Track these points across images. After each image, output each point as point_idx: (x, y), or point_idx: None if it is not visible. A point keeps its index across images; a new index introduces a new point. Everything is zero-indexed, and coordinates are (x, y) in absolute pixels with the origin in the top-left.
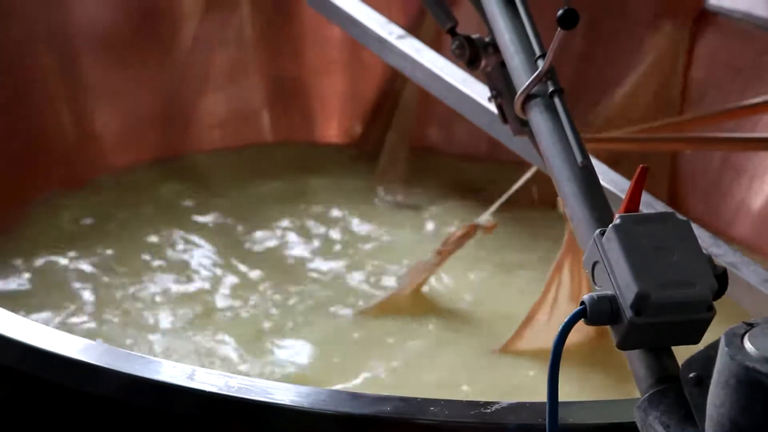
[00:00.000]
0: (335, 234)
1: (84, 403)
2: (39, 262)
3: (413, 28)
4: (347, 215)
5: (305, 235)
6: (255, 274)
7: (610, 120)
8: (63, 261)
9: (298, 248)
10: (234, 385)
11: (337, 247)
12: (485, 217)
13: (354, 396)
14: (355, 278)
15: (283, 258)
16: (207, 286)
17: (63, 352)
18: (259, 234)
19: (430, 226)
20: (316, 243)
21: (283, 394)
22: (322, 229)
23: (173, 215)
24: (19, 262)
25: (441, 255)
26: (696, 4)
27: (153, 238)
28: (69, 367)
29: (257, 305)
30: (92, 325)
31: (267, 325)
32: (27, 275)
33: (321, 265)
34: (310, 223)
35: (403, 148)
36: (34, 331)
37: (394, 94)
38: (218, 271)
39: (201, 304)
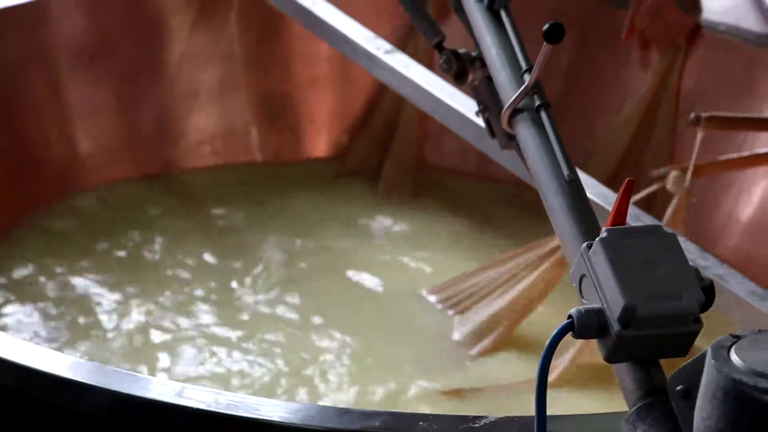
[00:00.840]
0: (327, 251)
1: (72, 422)
2: (27, 279)
3: (403, 43)
4: (339, 232)
5: (299, 253)
6: (252, 292)
7: (604, 136)
8: (50, 279)
9: (291, 266)
10: (223, 401)
11: (330, 266)
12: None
13: (343, 411)
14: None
15: (279, 276)
16: (198, 305)
17: (51, 370)
18: (252, 251)
19: (428, 239)
20: (306, 262)
21: (272, 411)
22: (313, 246)
23: (162, 232)
24: (3, 279)
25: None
26: (688, 22)
27: (141, 256)
28: (57, 385)
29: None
30: (76, 343)
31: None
32: (12, 293)
33: (319, 281)
34: (301, 242)
35: (408, 166)
36: (22, 348)
37: (383, 109)
38: (207, 291)
39: (196, 325)
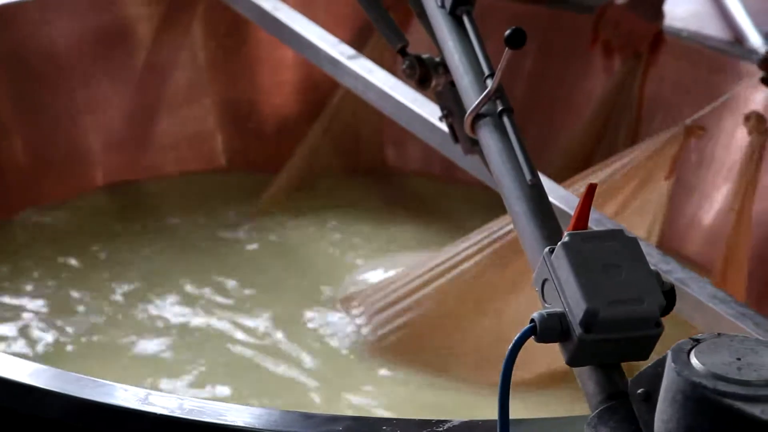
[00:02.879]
0: (291, 254)
1: (35, 428)
2: None
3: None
4: (304, 235)
5: (266, 258)
6: (222, 299)
7: (567, 142)
8: (13, 288)
9: (260, 272)
10: (187, 407)
11: (300, 272)
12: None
13: (306, 416)
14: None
15: (251, 282)
16: (165, 314)
17: (12, 376)
18: (218, 258)
19: (397, 243)
20: (279, 267)
21: (236, 416)
22: (280, 251)
23: (124, 241)
24: None
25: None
26: (651, 30)
27: (105, 265)
28: (19, 391)
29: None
30: (30, 352)
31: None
32: None
33: (287, 288)
34: (267, 247)
35: (373, 169)
36: None
37: (343, 113)
38: (170, 301)
39: (161, 333)
